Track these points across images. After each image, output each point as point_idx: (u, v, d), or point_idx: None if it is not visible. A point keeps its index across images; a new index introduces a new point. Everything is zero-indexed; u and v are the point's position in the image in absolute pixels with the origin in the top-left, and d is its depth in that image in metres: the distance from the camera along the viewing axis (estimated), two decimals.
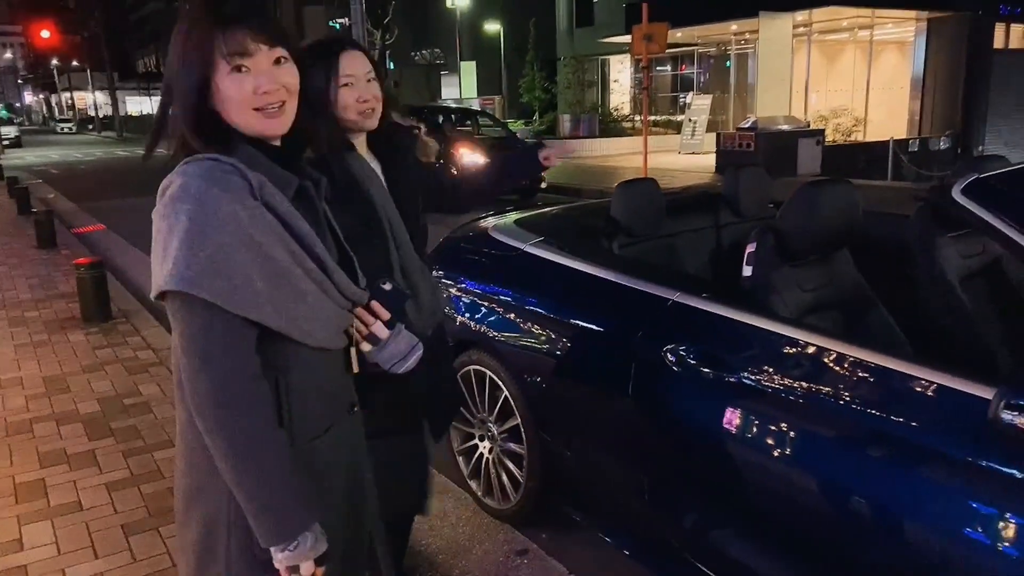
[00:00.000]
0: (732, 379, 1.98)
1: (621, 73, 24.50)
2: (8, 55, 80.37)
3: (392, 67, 28.73)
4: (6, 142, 29.63)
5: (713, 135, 17.26)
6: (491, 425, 2.96)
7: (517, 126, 23.35)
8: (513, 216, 3.36)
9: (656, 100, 23.13)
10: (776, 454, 1.85)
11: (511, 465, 2.88)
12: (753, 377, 1.95)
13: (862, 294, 2.37)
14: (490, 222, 3.33)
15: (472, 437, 3.10)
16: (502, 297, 2.85)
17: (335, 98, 1.84)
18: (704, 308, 2.14)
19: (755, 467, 1.94)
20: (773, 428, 1.88)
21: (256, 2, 1.25)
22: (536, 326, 2.67)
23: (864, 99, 20.17)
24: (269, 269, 1.18)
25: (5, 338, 5.31)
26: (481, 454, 3.05)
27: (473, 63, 28.41)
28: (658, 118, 22.80)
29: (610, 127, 22.45)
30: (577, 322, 2.53)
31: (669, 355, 2.13)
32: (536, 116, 24.21)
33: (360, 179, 1.90)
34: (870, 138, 18.54)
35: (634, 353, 2.25)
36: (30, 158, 27.05)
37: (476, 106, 23.44)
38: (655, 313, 2.25)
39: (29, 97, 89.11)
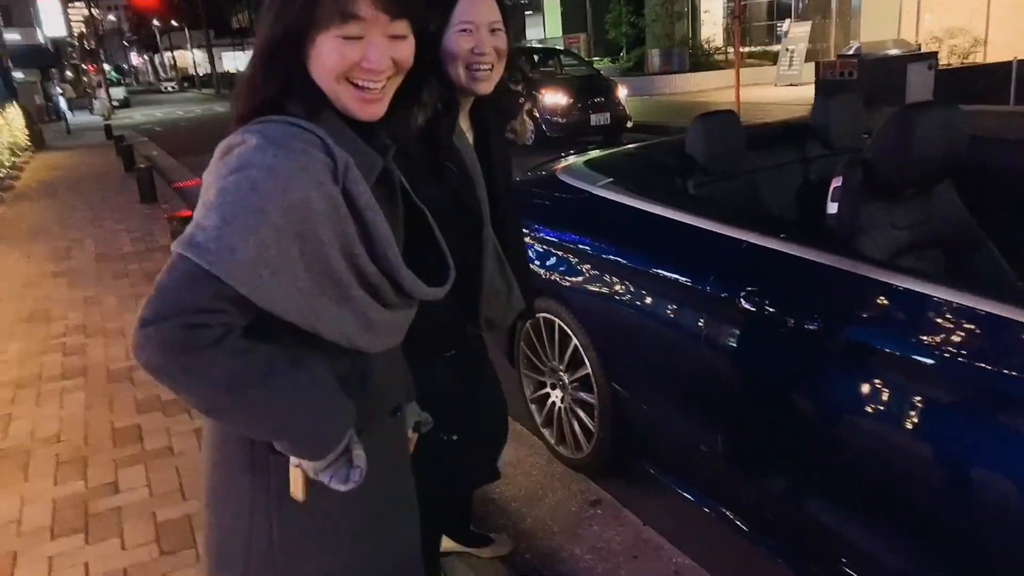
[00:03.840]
0: (812, 327, 1.82)
1: (712, 2, 23.24)
2: (112, 18, 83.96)
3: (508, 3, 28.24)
4: (115, 103, 31.10)
5: (812, 65, 16.22)
6: (562, 374, 2.89)
7: (603, 64, 22.62)
8: (584, 156, 3.22)
9: (750, 30, 21.86)
10: (864, 413, 1.69)
11: (583, 415, 2.81)
12: (836, 326, 1.78)
13: (968, 231, 2.13)
14: (560, 164, 3.20)
15: (544, 386, 3.04)
16: (569, 242, 2.74)
17: (446, 46, 1.54)
18: (781, 250, 1.96)
19: (838, 426, 1.79)
20: (859, 384, 1.71)
21: None
22: (604, 272, 2.55)
23: (985, 17, 18.42)
24: (320, 269, 1.00)
25: (109, 290, 5.60)
26: (553, 403, 2.99)
27: (557, 1, 27.60)
28: (753, 49, 21.59)
29: (701, 60, 21.43)
30: (646, 267, 2.39)
31: (744, 301, 1.97)
32: (623, 52, 23.37)
33: (459, 151, 1.61)
34: (991, 60, 16.97)
35: (707, 299, 2.10)
36: (138, 117, 28.36)
37: (561, 45, 22.83)
38: (728, 256, 2.09)
39: (135, 59, 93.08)
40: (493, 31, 1.56)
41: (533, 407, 3.12)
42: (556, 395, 2.97)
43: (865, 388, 1.69)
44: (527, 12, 30.58)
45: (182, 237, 0.96)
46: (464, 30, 1.53)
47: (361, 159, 1.05)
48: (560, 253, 2.77)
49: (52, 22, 33.11)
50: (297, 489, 1.10)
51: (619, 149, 3.45)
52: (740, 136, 2.73)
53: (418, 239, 1.21)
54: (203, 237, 0.94)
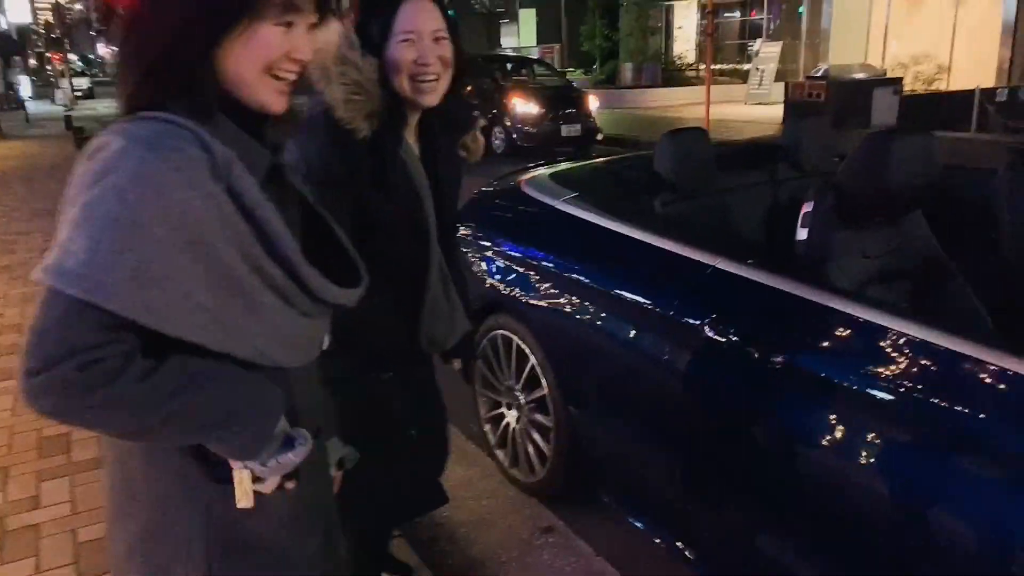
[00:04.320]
0: (777, 359, 1.73)
1: (686, 19, 23.47)
2: (80, 7, 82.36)
3: (452, 14, 28.19)
4: (79, 93, 30.35)
5: (782, 85, 16.43)
6: (518, 394, 2.77)
7: (576, 75, 22.68)
8: (551, 169, 3.12)
9: (722, 48, 22.11)
10: (824, 447, 1.60)
11: (538, 437, 2.70)
12: (802, 358, 1.69)
13: (937, 263, 2.06)
14: (525, 176, 3.09)
15: (499, 405, 2.92)
16: (530, 258, 2.62)
17: (389, 57, 1.47)
18: (748, 276, 1.87)
19: (796, 459, 1.69)
20: (820, 418, 1.62)
21: None
22: (565, 290, 2.44)
23: (949, 46, 18.85)
24: (219, 278, 0.90)
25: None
26: (508, 424, 2.87)
27: (532, 10, 27.60)
28: (724, 67, 21.83)
29: (673, 76, 21.61)
30: (608, 287, 2.29)
31: (708, 329, 1.88)
32: (596, 65, 23.48)
33: (407, 164, 1.55)
34: (954, 87, 17.34)
35: (669, 324, 2.01)
36: (101, 108, 27.70)
37: (536, 55, 22.84)
38: (694, 281, 2.00)
39: (103, 49, 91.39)
40: (437, 40, 1.48)
41: (487, 427, 2.99)
42: (511, 416, 2.85)
43: (827, 422, 1.61)
44: (502, 20, 30.60)
45: (48, 265, 0.85)
46: (406, 40, 1.46)
47: (247, 154, 0.97)
48: (520, 268, 2.66)
49: (17, 8, 32.24)
50: (244, 496, 1.02)
51: (586, 163, 3.36)
52: (709, 154, 2.66)
53: (325, 245, 1.14)
54: (72, 263, 0.84)
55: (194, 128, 0.91)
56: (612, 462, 2.43)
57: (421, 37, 1.47)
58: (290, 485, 1.05)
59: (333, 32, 1.43)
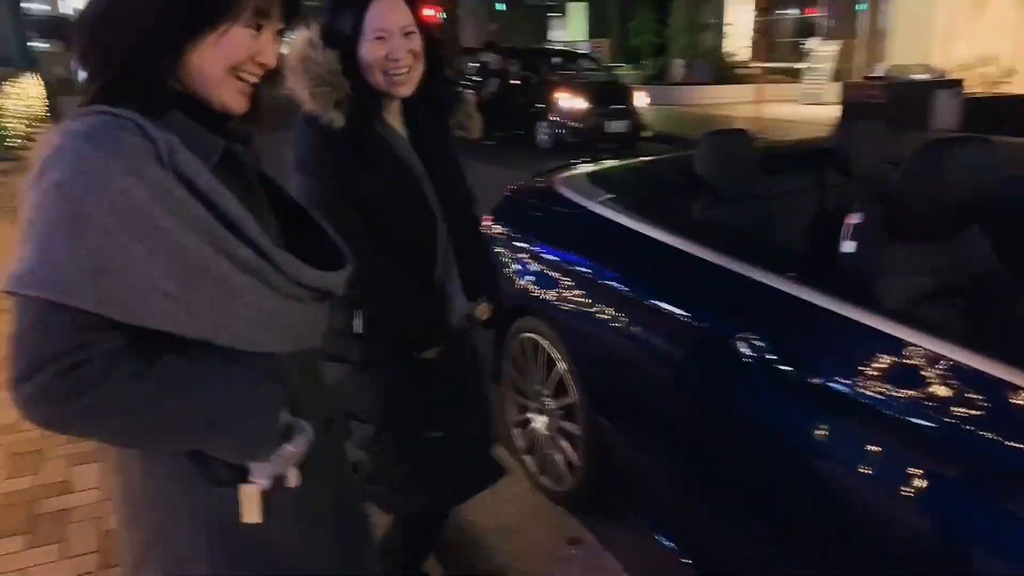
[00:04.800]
0: (815, 382, 1.63)
1: (740, 15, 22.98)
2: None
3: (502, 7, 28.13)
4: None
5: (838, 85, 15.99)
6: (547, 399, 2.70)
7: (625, 71, 22.42)
8: (589, 167, 3.03)
9: (776, 45, 21.61)
10: (862, 476, 1.50)
11: (566, 445, 2.63)
12: (841, 382, 1.59)
13: (997, 283, 1.92)
14: (561, 174, 3.01)
15: (527, 409, 2.85)
16: (561, 260, 2.55)
17: (362, 54, 1.56)
18: (787, 291, 1.77)
19: (835, 487, 1.59)
20: (862, 449, 1.52)
21: None
22: (596, 295, 2.36)
23: (1017, 47, 18.12)
24: (181, 262, 0.89)
25: None
26: (536, 429, 2.80)
27: (583, 4, 27.36)
28: (778, 65, 21.36)
29: (725, 73, 21.20)
30: (639, 294, 2.20)
31: (742, 344, 1.78)
32: (646, 60, 23.17)
33: (388, 142, 1.63)
34: (1022, 90, 16.66)
35: (700, 337, 1.92)
36: None
37: (585, 49, 22.66)
38: (729, 293, 1.90)
39: None
40: (406, 35, 1.57)
41: (515, 431, 2.93)
42: (540, 421, 2.79)
43: (867, 451, 1.50)
44: (552, 14, 30.42)
45: (10, 272, 0.84)
46: (378, 38, 1.55)
47: (196, 142, 0.96)
48: (551, 271, 2.59)
49: None
50: (252, 510, 1.01)
51: (624, 162, 3.27)
52: (752, 157, 2.54)
53: (311, 233, 1.16)
54: (26, 266, 0.84)
55: (134, 117, 0.90)
56: (640, 476, 2.35)
57: (391, 34, 1.55)
58: (292, 481, 1.03)
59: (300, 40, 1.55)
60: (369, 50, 1.55)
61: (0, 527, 2.46)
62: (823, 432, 1.60)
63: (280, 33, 1.03)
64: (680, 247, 2.11)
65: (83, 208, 0.84)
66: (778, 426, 1.72)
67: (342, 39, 1.56)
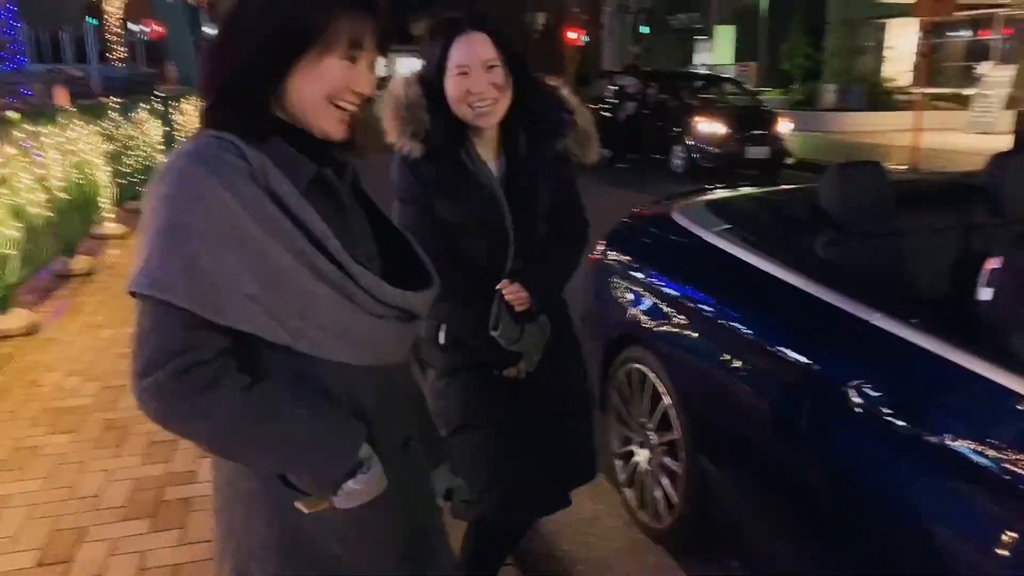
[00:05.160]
0: (934, 440, 1.48)
1: (901, 38, 21.63)
2: None
3: (646, 31, 27.97)
4: None
5: (1012, 113, 14.68)
6: (650, 433, 2.63)
7: (773, 95, 21.63)
8: (708, 196, 2.94)
9: (942, 70, 20.14)
10: (979, 546, 1.34)
11: (667, 482, 2.53)
12: (966, 444, 1.43)
13: None
14: (682, 201, 2.94)
15: (630, 442, 2.78)
16: (671, 291, 2.48)
17: (447, 89, 1.65)
18: (909, 339, 1.62)
19: (952, 554, 1.44)
20: (977, 517, 1.36)
21: None
22: (704, 330, 2.28)
23: None
24: (266, 270, 0.97)
25: None
26: (638, 462, 2.73)
27: (731, 28, 26.67)
28: (943, 91, 19.89)
29: (882, 99, 19.96)
30: (750, 332, 2.10)
31: (854, 393, 1.65)
32: (796, 85, 22.25)
33: (473, 172, 1.72)
34: None
35: (811, 382, 1.80)
36: None
37: (731, 73, 22.07)
38: (844, 336, 1.77)
39: None
40: (489, 68, 1.62)
41: (618, 463, 2.87)
42: (642, 455, 2.71)
43: (978, 517, 1.35)
44: (699, 37, 29.92)
45: (130, 275, 0.97)
46: (461, 73, 1.62)
47: (290, 164, 1.04)
48: (661, 301, 2.52)
49: None
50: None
51: (746, 191, 3.14)
52: (885, 191, 2.37)
53: (404, 253, 1.22)
54: (138, 267, 0.96)
55: (234, 140, 0.99)
56: (741, 522, 2.22)
57: (473, 69, 1.62)
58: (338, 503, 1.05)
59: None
60: (452, 84, 1.64)
61: (130, 510, 2.67)
62: (936, 495, 1.45)
63: (374, 64, 1.08)
64: (795, 284, 2.00)
65: (183, 217, 0.95)
66: (887, 483, 1.58)
67: (429, 74, 1.66)
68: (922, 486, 1.49)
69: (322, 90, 1.03)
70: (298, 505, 1.04)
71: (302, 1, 1.02)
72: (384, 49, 1.09)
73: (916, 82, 19.56)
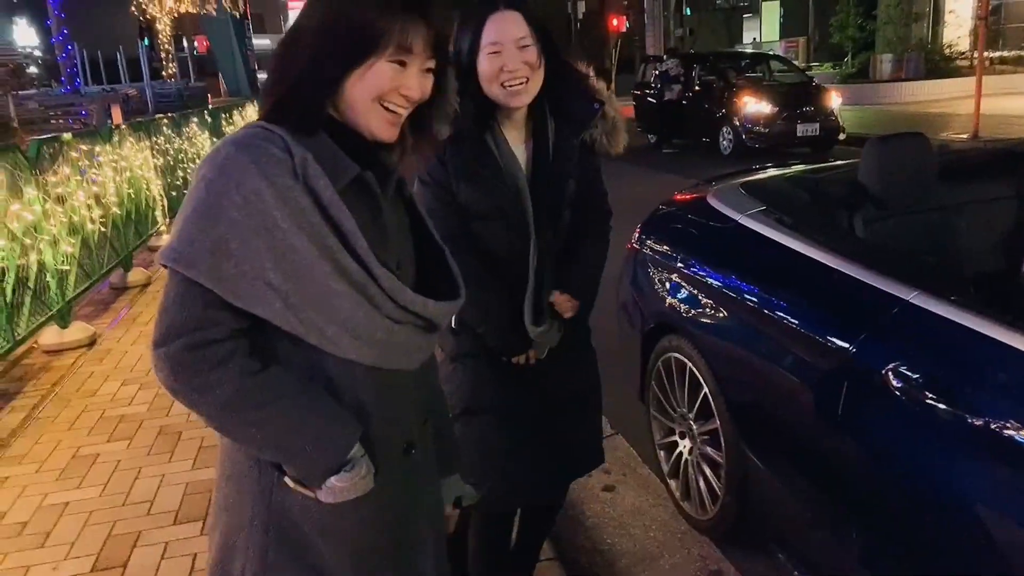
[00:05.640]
0: (977, 423, 1.40)
1: (959, 2, 20.74)
2: None
3: (688, 13, 27.46)
4: None
5: None
6: (691, 423, 2.57)
7: (823, 70, 21.02)
8: (743, 178, 2.86)
9: (1004, 32, 19.26)
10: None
11: (710, 472, 2.48)
12: (1011, 426, 1.35)
13: None
14: (716, 185, 2.86)
15: (672, 432, 2.73)
16: (708, 277, 2.41)
17: (479, 67, 1.63)
18: (949, 317, 1.54)
19: (997, 540, 1.36)
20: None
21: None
22: (741, 316, 2.21)
23: None
24: (289, 261, 0.99)
25: None
26: (680, 453, 2.67)
27: (776, 3, 26.01)
28: (1006, 54, 19.00)
29: (940, 67, 19.19)
30: (786, 317, 2.03)
31: (892, 376, 1.58)
32: (848, 58, 21.54)
33: (500, 161, 1.69)
34: None
35: (850, 366, 1.72)
36: None
37: (778, 50, 21.48)
38: (881, 317, 1.69)
39: None
40: (522, 47, 1.61)
41: (661, 453, 2.82)
42: (684, 445, 2.65)
43: None
44: (745, 15, 29.26)
45: (165, 250, 1.01)
46: (494, 52, 1.60)
47: (332, 163, 1.05)
48: (696, 289, 2.46)
49: None
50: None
51: (785, 171, 3.03)
52: (930, 164, 2.25)
53: (436, 261, 1.22)
54: (170, 242, 1.00)
55: (282, 133, 1.03)
56: (784, 513, 2.16)
57: (506, 46, 1.60)
58: (322, 497, 1.07)
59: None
60: (485, 62, 1.62)
61: (183, 512, 2.74)
62: (981, 480, 1.37)
63: (429, 70, 1.10)
64: (831, 264, 1.92)
65: (218, 200, 0.98)
66: (931, 469, 1.50)
67: (460, 54, 1.62)
68: (966, 472, 1.42)
69: (371, 92, 1.06)
70: (286, 480, 1.06)
71: (362, 7, 1.04)
72: (440, 53, 1.10)
73: (976, 46, 18.77)
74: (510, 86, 1.61)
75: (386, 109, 1.08)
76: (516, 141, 1.72)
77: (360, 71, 1.05)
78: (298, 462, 1.05)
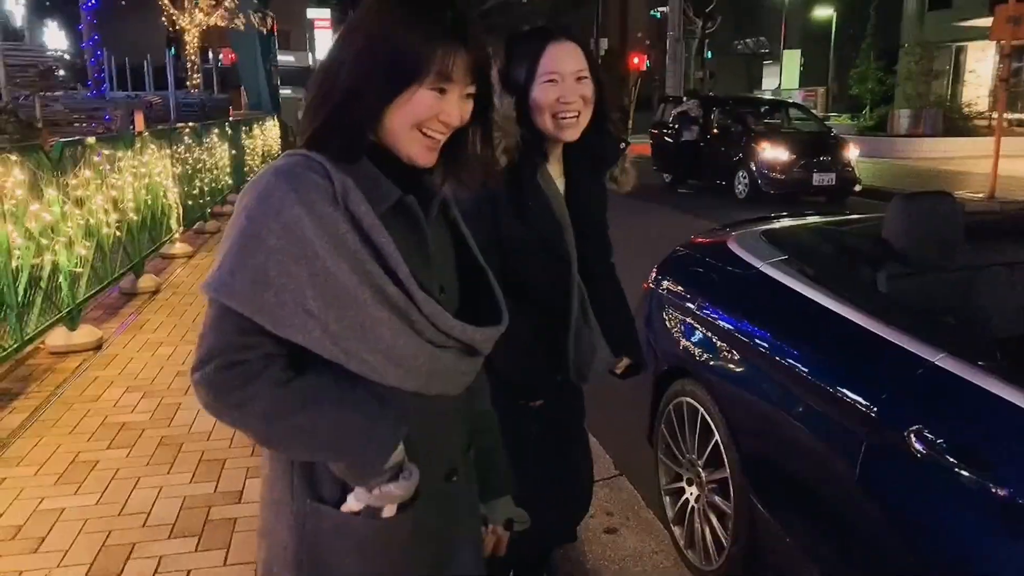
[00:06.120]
0: (1003, 493, 1.37)
1: (980, 63, 20.90)
2: None
3: (710, 56, 27.75)
4: None
5: None
6: (700, 469, 2.53)
7: (841, 121, 21.13)
8: (764, 225, 2.84)
9: (1022, 95, 19.36)
10: None
11: (716, 522, 2.43)
12: None
13: None
14: (737, 231, 2.85)
15: (680, 478, 2.68)
16: (725, 323, 2.39)
17: (533, 97, 1.59)
18: (976, 382, 1.51)
19: None
20: None
21: (479, 27, 1.11)
22: (759, 365, 2.18)
23: None
24: (329, 288, 0.99)
25: None
26: (687, 500, 2.63)
27: (797, 52, 26.26)
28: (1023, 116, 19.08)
29: (958, 125, 19.29)
30: (805, 369, 2.00)
31: (915, 439, 1.55)
32: (867, 110, 21.68)
33: (543, 191, 1.66)
34: None
35: (870, 426, 1.69)
36: None
37: (797, 98, 21.65)
38: (904, 377, 1.67)
39: None
40: (579, 79, 1.58)
41: (667, 499, 2.77)
42: (691, 492, 2.61)
43: None
44: (765, 62, 29.54)
45: (208, 280, 1.02)
46: (550, 80, 1.56)
47: (373, 188, 1.06)
48: (712, 334, 2.43)
49: (324, 49, 37.41)
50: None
51: (805, 221, 3.02)
52: (957, 223, 2.24)
53: (480, 286, 1.22)
54: (214, 272, 1.01)
55: (322, 161, 1.03)
56: (794, 571, 2.11)
57: (563, 77, 1.57)
58: (386, 513, 1.06)
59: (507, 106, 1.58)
60: (541, 92, 1.58)
61: (179, 527, 2.70)
62: (1002, 552, 1.33)
63: (470, 96, 1.10)
64: (853, 319, 1.90)
65: (258, 229, 0.99)
66: (949, 535, 1.46)
67: (516, 84, 1.59)
68: (987, 543, 1.38)
69: (411, 119, 1.06)
70: (349, 503, 1.06)
71: (404, 34, 1.03)
72: (479, 79, 1.10)
73: (995, 107, 18.85)
74: (563, 118, 1.58)
75: (424, 135, 1.08)
76: (556, 175, 1.71)
77: (402, 99, 1.04)
78: (348, 457, 1.04)
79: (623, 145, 1.76)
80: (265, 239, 0.98)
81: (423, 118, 1.06)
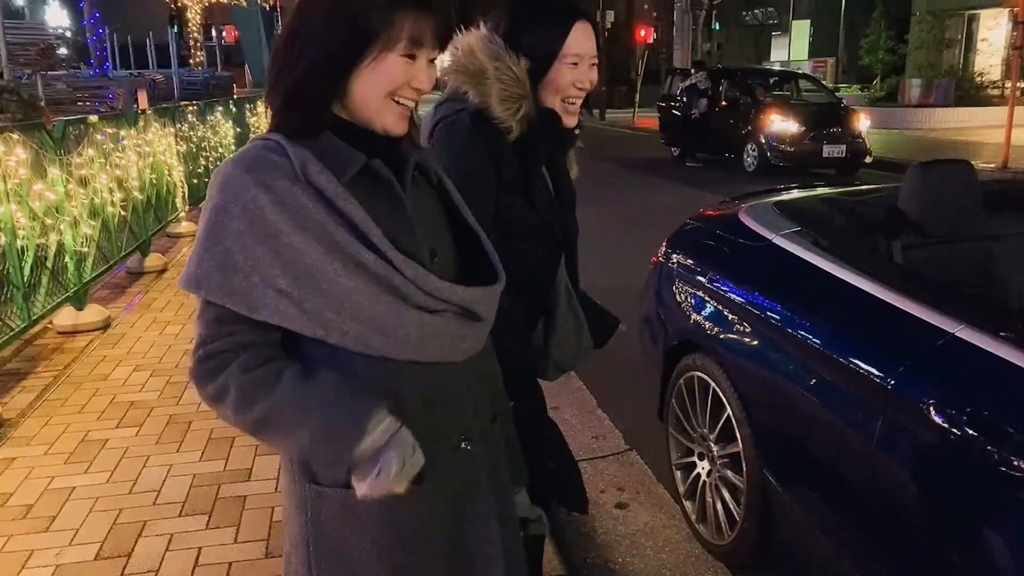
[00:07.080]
0: (1021, 465, 1.33)
1: (992, 31, 20.52)
2: None
3: (719, 28, 27.35)
4: None
5: None
6: (712, 444, 2.51)
7: (851, 92, 20.85)
8: (776, 197, 2.79)
9: None
10: None
11: (728, 497, 2.41)
12: None
13: None
14: (748, 202, 2.80)
15: (691, 453, 2.66)
16: (736, 296, 2.35)
17: (551, 77, 1.51)
18: (997, 353, 1.48)
19: None
20: None
21: None
22: (771, 339, 2.15)
23: None
24: (297, 264, 0.98)
25: None
26: (699, 475, 2.61)
27: (807, 22, 25.87)
28: None
29: (970, 94, 19.03)
30: (819, 343, 1.96)
31: (934, 411, 1.51)
32: (877, 80, 21.40)
33: (544, 175, 1.62)
34: None
35: (887, 398, 1.66)
36: None
37: (807, 69, 21.37)
38: (923, 349, 1.63)
39: None
40: (592, 64, 1.53)
41: (678, 473, 2.76)
42: (703, 467, 2.59)
43: None
44: (774, 33, 29.13)
45: (182, 275, 1.03)
46: (573, 63, 1.50)
47: (335, 156, 1.04)
48: (724, 307, 2.39)
49: None
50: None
51: (818, 192, 2.97)
52: (974, 192, 2.19)
53: (475, 250, 1.19)
54: (186, 268, 1.02)
55: (279, 139, 1.03)
56: (809, 545, 2.09)
57: (584, 60, 1.51)
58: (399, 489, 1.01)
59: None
60: (561, 73, 1.51)
61: (189, 505, 2.70)
62: (1022, 524, 1.31)
63: (433, 61, 1.09)
64: (869, 290, 1.86)
65: (220, 216, 1.00)
66: (968, 507, 1.43)
67: (535, 55, 1.49)
68: (1008, 514, 1.35)
69: (383, 87, 1.05)
70: (355, 486, 1.00)
71: (366, 1, 1.02)
72: (444, 44, 1.09)
73: (1008, 76, 18.52)
74: (571, 103, 1.53)
75: (397, 103, 1.07)
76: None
77: (371, 67, 1.03)
78: (312, 455, 1.03)
79: (577, 130, 1.66)
80: (228, 224, 0.98)
81: (397, 85, 1.05)
